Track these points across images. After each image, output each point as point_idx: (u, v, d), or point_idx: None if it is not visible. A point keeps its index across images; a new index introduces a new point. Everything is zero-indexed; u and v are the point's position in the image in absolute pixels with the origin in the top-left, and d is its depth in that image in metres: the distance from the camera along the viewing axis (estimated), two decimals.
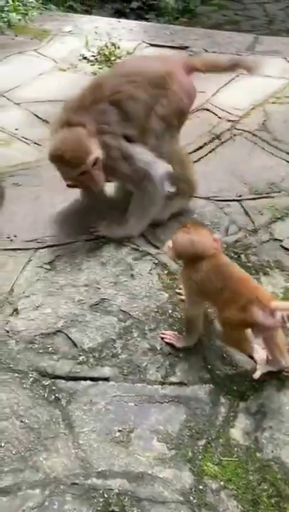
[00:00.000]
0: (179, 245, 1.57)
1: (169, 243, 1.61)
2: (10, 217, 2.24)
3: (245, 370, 1.56)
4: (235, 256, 2.04)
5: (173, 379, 1.53)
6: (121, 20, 4.50)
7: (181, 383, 1.52)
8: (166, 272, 1.96)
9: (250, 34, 4.39)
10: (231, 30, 6.18)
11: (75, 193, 2.39)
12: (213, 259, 1.52)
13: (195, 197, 2.38)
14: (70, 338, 1.66)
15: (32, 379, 1.53)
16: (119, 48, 3.82)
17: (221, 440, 1.37)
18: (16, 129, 2.91)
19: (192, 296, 1.57)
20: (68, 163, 1.86)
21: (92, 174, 1.90)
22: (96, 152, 1.87)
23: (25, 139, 2.83)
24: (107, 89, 1.95)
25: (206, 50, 3.98)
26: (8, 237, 2.11)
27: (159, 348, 1.63)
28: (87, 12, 6.97)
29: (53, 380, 1.53)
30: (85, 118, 1.89)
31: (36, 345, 1.64)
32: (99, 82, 2.05)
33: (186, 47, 4.01)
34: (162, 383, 1.52)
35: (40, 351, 1.62)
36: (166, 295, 1.84)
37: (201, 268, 1.51)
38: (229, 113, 3.11)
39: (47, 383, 1.52)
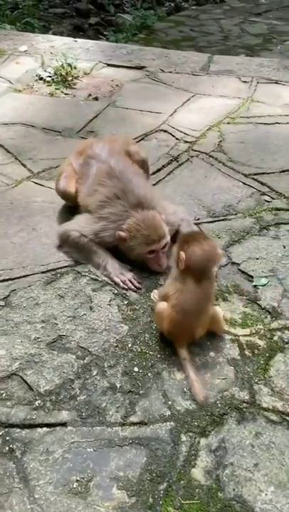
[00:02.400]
0: (195, 258, 1.63)
1: (182, 255, 1.64)
2: None
3: (206, 404, 1.54)
4: None
5: (133, 419, 1.49)
6: (77, 39, 4.48)
7: (141, 423, 1.48)
8: (125, 302, 1.93)
9: (205, 54, 4.48)
10: (188, 46, 6.33)
11: (31, 223, 2.34)
12: None
13: None
14: (25, 381, 1.59)
15: None
16: (75, 68, 3.81)
17: (182, 482, 1.34)
18: None
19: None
20: (145, 238, 1.97)
21: (159, 255, 2.02)
22: (168, 237, 2.03)
23: None
24: None
25: (163, 70, 4.04)
26: None
27: (118, 386, 1.59)
28: (46, 28, 6.95)
29: (6, 429, 1.46)
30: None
31: None
32: None
33: (143, 67, 4.05)
34: (122, 424, 1.48)
35: None
36: (126, 327, 1.81)
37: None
38: (186, 134, 3.15)
39: (0, 433, 1.44)
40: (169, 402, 1.55)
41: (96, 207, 2.10)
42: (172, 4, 9.26)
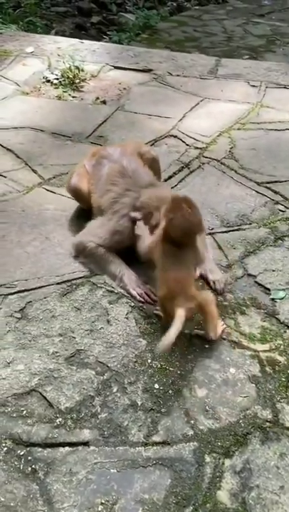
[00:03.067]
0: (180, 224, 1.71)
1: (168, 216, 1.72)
2: None
3: (229, 423, 1.53)
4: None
5: (156, 438, 1.48)
6: (84, 41, 4.44)
7: (164, 443, 1.47)
8: (143, 315, 1.91)
9: (212, 57, 4.44)
10: (192, 46, 6.30)
11: (44, 231, 2.31)
12: None
13: None
14: (45, 398, 1.57)
15: (6, 448, 1.43)
16: (83, 70, 3.77)
17: (208, 505, 1.33)
18: None
19: None
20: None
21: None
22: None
23: None
24: None
25: (170, 73, 4.00)
26: None
27: (139, 404, 1.57)
28: (48, 27, 6.89)
29: (28, 448, 1.43)
30: None
31: (9, 409, 1.54)
32: None
33: (150, 70, 4.02)
34: (145, 444, 1.46)
35: (14, 415, 1.52)
36: (145, 342, 1.78)
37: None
38: (196, 140, 3.12)
39: (22, 453, 1.42)
40: (192, 421, 1.53)
41: (109, 204, 2.09)
42: (174, 4, 9.22)
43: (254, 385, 1.64)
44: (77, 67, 3.72)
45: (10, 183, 2.62)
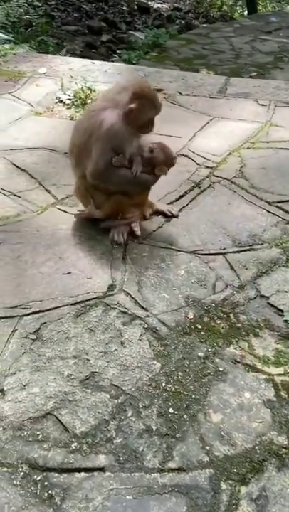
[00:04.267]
0: None
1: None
2: None
3: (245, 450, 1.53)
4: (225, 316, 2.03)
5: (171, 464, 1.47)
6: (95, 61, 4.53)
7: (179, 469, 1.46)
8: (156, 336, 1.92)
9: (221, 76, 4.51)
10: (200, 64, 6.38)
11: (58, 251, 2.34)
12: None
13: (180, 251, 2.38)
14: (60, 422, 1.58)
15: (22, 473, 1.44)
16: (94, 91, 3.83)
17: None
18: None
19: None
20: (154, 101, 2.22)
21: (153, 121, 2.25)
22: None
23: (4, 190, 2.75)
24: None
25: (180, 93, 4.06)
26: None
27: (154, 429, 1.57)
28: (59, 45, 7.04)
29: (44, 473, 1.44)
30: None
31: (25, 432, 1.55)
32: None
33: (160, 89, 4.07)
34: (161, 470, 1.46)
35: (30, 439, 1.53)
36: (159, 365, 1.79)
37: None
38: (206, 159, 3.15)
39: (39, 478, 1.43)
40: (207, 447, 1.53)
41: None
42: (183, 22, 9.39)
43: (269, 409, 1.64)
44: (89, 88, 3.79)
45: (24, 204, 2.66)
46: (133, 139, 2.26)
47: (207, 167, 3.08)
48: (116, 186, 2.30)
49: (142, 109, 2.16)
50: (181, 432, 1.57)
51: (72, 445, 1.52)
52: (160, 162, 2.31)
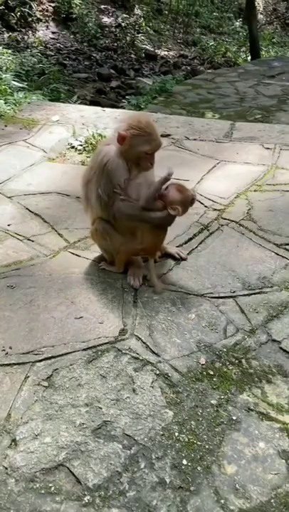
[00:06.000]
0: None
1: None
2: (5, 325, 2.18)
3: (260, 503, 1.49)
4: (237, 361, 2.03)
5: None
6: (105, 108, 4.74)
7: None
8: (168, 383, 1.91)
9: (227, 121, 4.68)
10: (206, 107, 6.63)
11: (70, 295, 2.37)
12: None
13: (190, 294, 2.40)
14: (73, 474, 1.56)
15: None
16: (105, 137, 3.99)
17: None
18: (9, 225, 2.92)
19: None
20: (148, 136, 2.20)
21: (153, 156, 2.28)
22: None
23: (18, 235, 2.84)
24: None
25: (187, 138, 4.21)
26: (4, 350, 2.04)
27: (168, 482, 1.54)
28: (70, 92, 7.39)
29: None
30: None
31: (37, 484, 1.53)
32: None
33: (168, 134, 4.24)
34: None
35: (42, 491, 1.51)
36: (171, 413, 1.78)
37: None
38: (214, 202, 3.24)
39: None
40: (222, 501, 1.49)
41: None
42: (189, 68, 9.83)
43: (284, 460, 1.61)
44: (99, 134, 3.95)
45: (37, 247, 2.73)
46: (133, 173, 2.27)
47: (215, 210, 3.15)
48: (124, 218, 2.30)
49: (134, 140, 2.16)
50: (195, 484, 1.54)
51: (85, 498, 1.49)
52: (174, 201, 2.26)
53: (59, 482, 1.54)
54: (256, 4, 14.02)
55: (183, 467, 1.59)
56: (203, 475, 1.56)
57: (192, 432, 1.70)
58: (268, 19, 17.93)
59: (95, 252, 2.65)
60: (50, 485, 1.53)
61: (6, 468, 1.57)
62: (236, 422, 1.74)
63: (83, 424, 1.74)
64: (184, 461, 1.60)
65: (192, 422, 1.74)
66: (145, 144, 2.19)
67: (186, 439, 1.68)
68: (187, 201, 2.33)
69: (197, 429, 1.71)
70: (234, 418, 1.76)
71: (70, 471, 1.57)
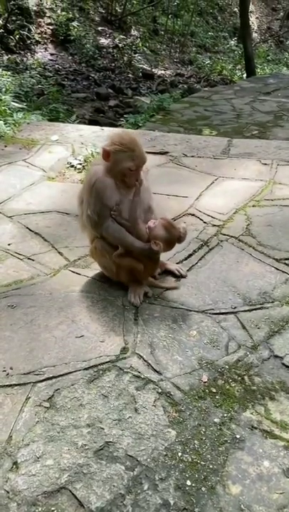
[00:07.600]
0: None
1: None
2: (5, 345, 2.17)
3: None
4: (239, 378, 2.01)
5: None
6: (104, 128, 4.81)
7: None
8: (170, 402, 1.89)
9: (224, 138, 4.74)
10: (203, 124, 6.72)
11: (70, 314, 2.37)
12: None
13: (191, 311, 2.40)
14: (75, 497, 1.54)
15: None
16: None
17: None
18: (9, 244, 2.94)
19: None
20: (131, 153, 2.18)
21: (138, 172, 2.26)
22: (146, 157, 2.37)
23: (18, 254, 2.85)
24: None
25: (185, 155, 4.26)
26: (4, 370, 2.03)
27: (172, 503, 1.52)
28: (69, 111, 7.51)
29: None
30: None
31: (40, 508, 1.51)
32: None
33: (166, 152, 4.29)
34: None
35: None
36: (174, 432, 1.76)
37: None
38: (213, 217, 3.26)
39: None
40: None
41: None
42: (185, 86, 9.99)
43: None
44: (98, 153, 3.99)
45: (38, 266, 2.74)
46: (120, 191, 2.26)
47: (214, 225, 3.17)
48: (110, 239, 2.33)
49: (117, 156, 2.16)
50: (200, 506, 1.51)
51: None
52: (157, 237, 2.29)
53: (61, 506, 1.52)
54: (250, 23, 14.35)
55: (187, 488, 1.56)
56: (207, 496, 1.54)
57: (196, 451, 1.68)
58: (262, 37, 18.34)
59: (96, 269, 2.65)
60: (53, 508, 1.51)
61: (8, 492, 1.55)
62: (240, 441, 1.72)
63: (85, 445, 1.71)
64: (188, 482, 1.58)
65: (195, 442, 1.72)
66: (128, 160, 2.18)
67: (190, 459, 1.65)
68: (172, 239, 2.34)
69: (201, 448, 1.69)
70: (238, 436, 1.74)
71: (73, 494, 1.55)
